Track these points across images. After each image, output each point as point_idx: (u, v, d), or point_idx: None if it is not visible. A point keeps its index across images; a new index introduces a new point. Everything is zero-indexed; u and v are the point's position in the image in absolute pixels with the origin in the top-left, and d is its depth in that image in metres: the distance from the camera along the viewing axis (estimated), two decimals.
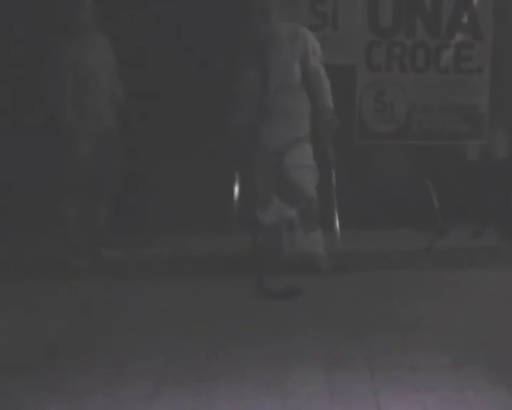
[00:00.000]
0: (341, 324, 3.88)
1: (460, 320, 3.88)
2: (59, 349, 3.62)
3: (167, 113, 5.25)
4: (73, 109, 4.53)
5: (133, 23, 5.12)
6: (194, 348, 3.62)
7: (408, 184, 5.41)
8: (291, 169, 4.48)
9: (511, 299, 4.17)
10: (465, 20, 5.44)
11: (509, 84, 5.53)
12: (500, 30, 5.43)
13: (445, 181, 5.46)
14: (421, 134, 5.59)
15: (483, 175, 5.50)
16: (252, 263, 4.53)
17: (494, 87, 5.51)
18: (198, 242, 5.11)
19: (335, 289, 4.37)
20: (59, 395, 3.16)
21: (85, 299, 4.27)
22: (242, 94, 4.48)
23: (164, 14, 5.20)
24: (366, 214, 5.22)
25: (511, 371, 3.30)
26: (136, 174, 5.24)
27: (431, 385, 3.21)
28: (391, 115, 5.55)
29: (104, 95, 4.67)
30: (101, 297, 4.30)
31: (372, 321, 3.90)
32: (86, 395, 3.16)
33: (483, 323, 3.84)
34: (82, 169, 4.67)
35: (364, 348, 3.56)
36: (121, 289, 4.40)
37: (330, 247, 4.70)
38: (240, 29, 4.62)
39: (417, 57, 5.49)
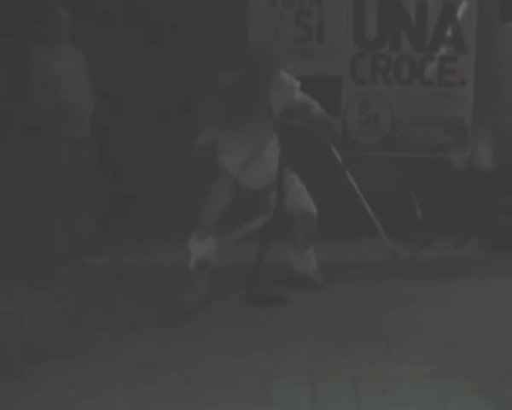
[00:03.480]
0: (325, 334, 3.90)
1: (443, 331, 3.92)
2: (45, 356, 3.62)
3: (147, 123, 5.26)
4: (44, 108, 4.61)
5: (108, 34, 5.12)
6: (180, 354, 3.64)
7: (391, 196, 5.44)
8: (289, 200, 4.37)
9: (494, 309, 4.21)
10: (449, 33, 5.50)
11: (491, 96, 5.59)
12: (483, 44, 5.50)
13: (429, 192, 5.50)
14: (405, 146, 5.64)
15: (466, 187, 5.54)
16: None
17: (477, 100, 5.57)
18: (182, 250, 5.10)
19: (319, 300, 4.39)
20: (44, 401, 3.17)
21: (71, 306, 4.28)
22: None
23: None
24: (349, 225, 5.24)
25: (494, 382, 3.34)
26: (120, 184, 5.24)
27: (414, 396, 3.23)
28: (375, 127, 5.60)
29: (74, 100, 4.72)
30: (87, 304, 4.31)
31: (356, 332, 3.93)
32: (72, 401, 3.17)
33: (466, 333, 3.87)
34: (62, 178, 4.75)
35: (348, 359, 3.59)
36: (106, 297, 4.41)
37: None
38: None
39: (402, 70, 5.54)
